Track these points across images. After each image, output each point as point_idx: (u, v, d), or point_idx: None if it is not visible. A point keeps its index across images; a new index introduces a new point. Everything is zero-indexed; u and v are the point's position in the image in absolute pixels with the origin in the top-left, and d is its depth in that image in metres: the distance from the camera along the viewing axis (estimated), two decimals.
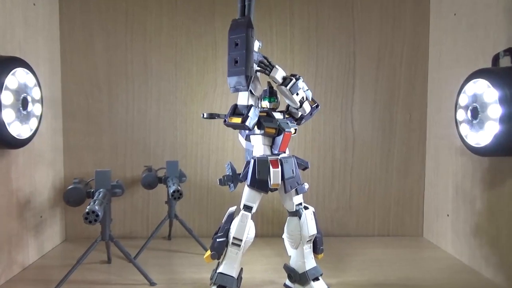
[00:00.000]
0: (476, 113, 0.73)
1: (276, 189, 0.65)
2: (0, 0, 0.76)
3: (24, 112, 0.74)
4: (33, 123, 0.79)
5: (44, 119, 0.87)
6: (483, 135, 0.71)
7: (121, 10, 1.03)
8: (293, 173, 0.64)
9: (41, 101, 0.82)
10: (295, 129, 0.67)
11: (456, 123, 0.80)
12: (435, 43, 1.05)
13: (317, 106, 0.70)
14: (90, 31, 1.03)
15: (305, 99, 0.67)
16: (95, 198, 0.74)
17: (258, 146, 0.65)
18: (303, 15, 1.07)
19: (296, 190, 0.65)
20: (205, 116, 0.61)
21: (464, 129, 0.77)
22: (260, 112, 0.63)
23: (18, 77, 0.72)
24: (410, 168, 1.10)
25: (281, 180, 0.63)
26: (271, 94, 0.66)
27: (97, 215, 0.67)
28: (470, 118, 0.75)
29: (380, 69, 1.08)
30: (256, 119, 0.60)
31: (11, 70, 0.69)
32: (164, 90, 1.06)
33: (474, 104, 0.73)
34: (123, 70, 1.04)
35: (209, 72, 1.06)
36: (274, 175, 0.62)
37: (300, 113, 0.68)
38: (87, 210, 0.67)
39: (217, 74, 1.06)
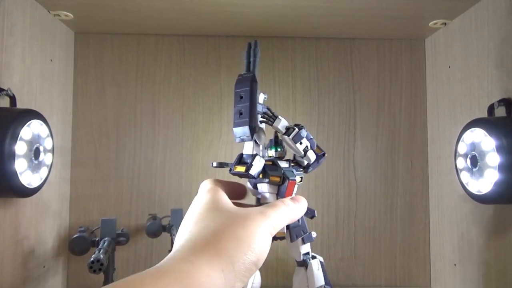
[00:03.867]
0: (475, 161, 0.74)
1: (282, 238, 0.65)
2: (20, 57, 0.81)
3: (36, 162, 0.77)
4: (44, 172, 0.81)
5: (53, 167, 0.89)
6: (484, 183, 0.72)
7: (132, 63, 1.09)
8: (298, 221, 0.65)
9: (53, 150, 0.85)
10: (301, 177, 0.69)
11: (457, 171, 0.81)
12: (432, 93, 1.09)
13: (323, 155, 0.72)
14: (102, 84, 1.08)
15: (309, 147, 0.69)
16: (100, 246, 0.74)
17: (264, 194, 0.66)
18: (304, 66, 1.12)
19: (302, 239, 0.66)
20: (214, 165, 0.63)
21: (465, 176, 0.78)
22: (266, 160, 0.66)
23: (32, 128, 0.75)
24: (414, 216, 1.10)
25: (287, 228, 0.64)
26: (276, 143, 0.68)
27: (102, 264, 0.67)
28: (470, 166, 0.76)
29: (380, 117, 1.12)
30: (261, 168, 0.62)
31: (26, 122, 0.72)
32: (170, 139, 1.09)
33: (473, 152, 0.75)
34: (131, 120, 1.08)
35: (215, 121, 1.10)
36: None
37: (306, 162, 0.70)
38: (92, 259, 0.67)
39: (222, 123, 1.10)
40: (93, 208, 1.05)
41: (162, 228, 0.95)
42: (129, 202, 1.07)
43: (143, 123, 1.09)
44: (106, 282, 0.78)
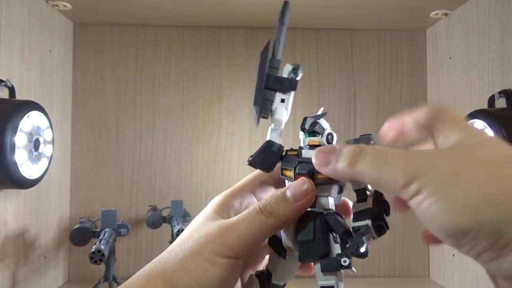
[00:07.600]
0: None
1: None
2: (19, 49, 0.81)
3: (36, 153, 0.77)
4: (44, 163, 0.81)
5: (53, 159, 0.90)
6: None
7: (132, 56, 1.09)
8: (310, 235, 0.39)
9: (52, 142, 0.85)
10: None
11: None
12: (432, 84, 1.09)
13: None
14: (101, 76, 1.08)
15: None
16: (100, 237, 0.75)
17: None
18: (304, 58, 1.11)
19: (322, 264, 0.37)
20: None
21: None
22: (289, 150, 0.43)
23: (32, 119, 0.75)
24: None
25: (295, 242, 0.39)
26: (304, 127, 0.42)
27: (103, 255, 0.68)
28: None
29: (381, 109, 1.12)
30: (267, 158, 0.41)
31: (26, 113, 0.72)
32: (170, 131, 1.09)
33: None
34: (131, 113, 1.08)
35: (215, 114, 1.10)
36: (284, 233, 0.41)
37: None
38: (93, 250, 0.68)
39: (222, 115, 1.10)
40: (94, 199, 1.06)
41: (162, 219, 0.95)
42: (129, 194, 1.07)
43: (143, 115, 1.09)
44: (108, 272, 0.79)
